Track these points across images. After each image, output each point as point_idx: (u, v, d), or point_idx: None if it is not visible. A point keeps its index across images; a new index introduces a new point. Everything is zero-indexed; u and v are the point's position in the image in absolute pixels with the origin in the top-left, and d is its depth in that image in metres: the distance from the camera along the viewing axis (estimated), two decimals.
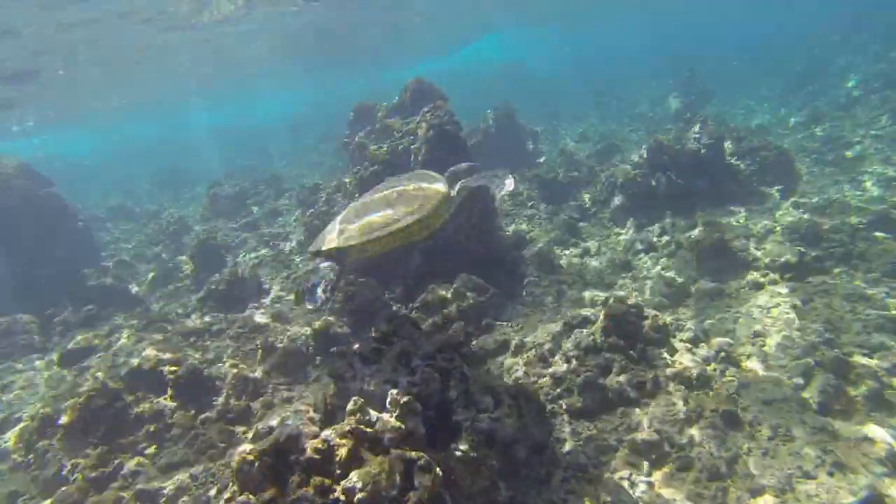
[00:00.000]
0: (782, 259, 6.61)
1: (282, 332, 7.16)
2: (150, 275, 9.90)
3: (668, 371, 4.81)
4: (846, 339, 5.25)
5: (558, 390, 4.93)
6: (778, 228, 7.61)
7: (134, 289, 9.65)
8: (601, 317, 5.29)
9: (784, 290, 6.26)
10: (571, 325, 5.56)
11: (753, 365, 5.23)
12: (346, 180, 8.76)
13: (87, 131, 42.81)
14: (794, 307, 5.89)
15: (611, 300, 5.45)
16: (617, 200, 9.70)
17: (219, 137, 35.92)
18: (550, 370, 5.17)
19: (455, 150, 7.73)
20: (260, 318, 7.21)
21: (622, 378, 4.73)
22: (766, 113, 16.63)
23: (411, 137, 7.88)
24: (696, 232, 7.90)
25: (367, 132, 9.69)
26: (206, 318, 7.41)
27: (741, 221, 8.20)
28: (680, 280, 7.07)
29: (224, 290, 7.74)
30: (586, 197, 10.72)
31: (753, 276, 6.69)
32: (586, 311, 5.70)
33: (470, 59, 48.80)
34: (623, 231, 9.45)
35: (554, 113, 21.78)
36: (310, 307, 3.28)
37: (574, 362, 5.06)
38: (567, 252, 9.09)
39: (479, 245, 8.52)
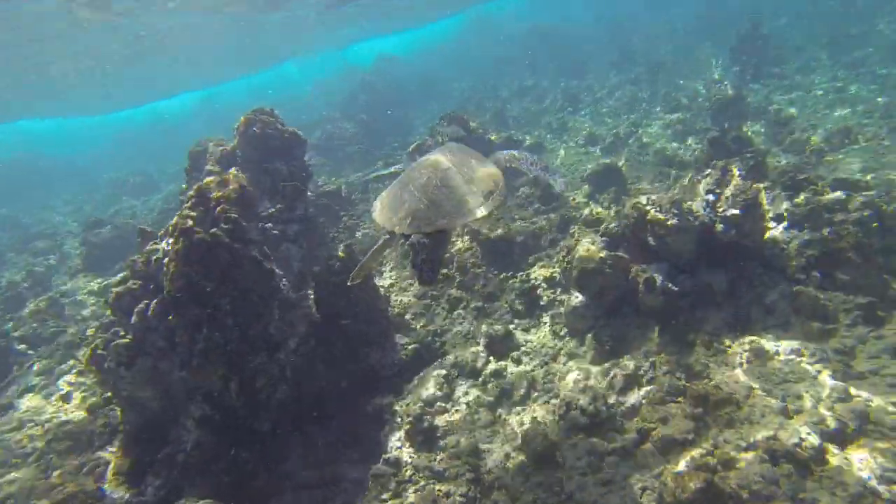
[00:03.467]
0: None
1: None
2: None
3: None
4: None
5: None
6: (851, 431, 3.72)
7: None
8: None
9: None
10: None
11: None
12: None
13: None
14: None
15: None
16: (575, 300, 5.94)
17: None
18: None
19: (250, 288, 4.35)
20: None
21: None
22: (861, 101, 11.51)
23: (168, 243, 4.59)
24: (678, 418, 4.13)
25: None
26: None
27: (772, 393, 4.28)
28: None
29: None
30: (540, 274, 6.99)
31: None
32: None
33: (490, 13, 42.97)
34: (578, 353, 5.77)
35: (572, 95, 17.24)
36: (423, 285, 3.16)
37: None
38: (473, 397, 5.57)
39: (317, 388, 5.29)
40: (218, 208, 4.26)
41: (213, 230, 4.21)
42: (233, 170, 4.74)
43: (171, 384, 4.91)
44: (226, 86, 41.81)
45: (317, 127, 18.18)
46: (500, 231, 7.51)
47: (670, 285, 5.12)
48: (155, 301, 4.68)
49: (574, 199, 8.93)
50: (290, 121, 7.87)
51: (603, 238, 6.00)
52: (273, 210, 5.42)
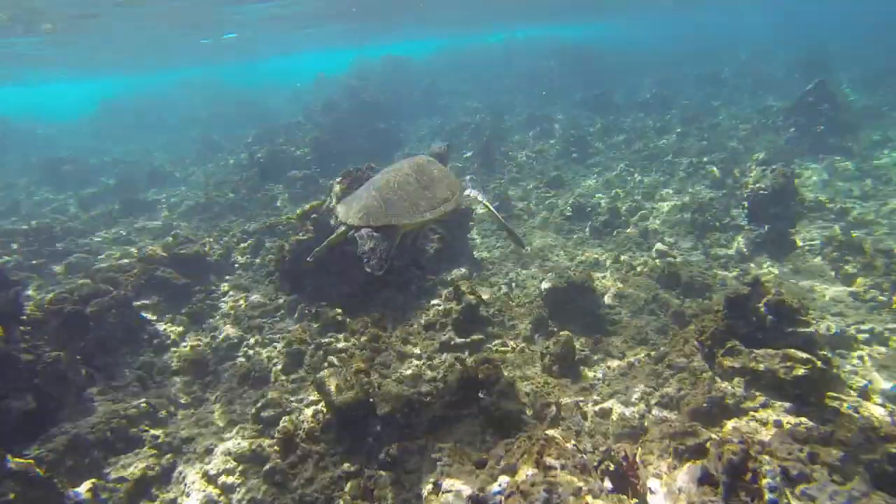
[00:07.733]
0: None
1: None
2: None
3: None
4: None
5: None
6: None
7: None
8: None
9: None
10: None
11: None
12: None
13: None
14: None
15: None
16: None
17: None
18: None
19: None
20: None
21: None
22: None
23: None
24: None
25: None
26: None
27: None
28: None
29: None
30: None
31: None
32: None
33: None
34: None
35: (580, 138, 14.01)
36: (372, 271, 3.31)
37: None
38: None
39: None
40: None
41: None
42: None
43: None
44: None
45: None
46: (351, 393, 4.50)
47: None
48: None
49: (511, 330, 5.85)
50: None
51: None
52: None
